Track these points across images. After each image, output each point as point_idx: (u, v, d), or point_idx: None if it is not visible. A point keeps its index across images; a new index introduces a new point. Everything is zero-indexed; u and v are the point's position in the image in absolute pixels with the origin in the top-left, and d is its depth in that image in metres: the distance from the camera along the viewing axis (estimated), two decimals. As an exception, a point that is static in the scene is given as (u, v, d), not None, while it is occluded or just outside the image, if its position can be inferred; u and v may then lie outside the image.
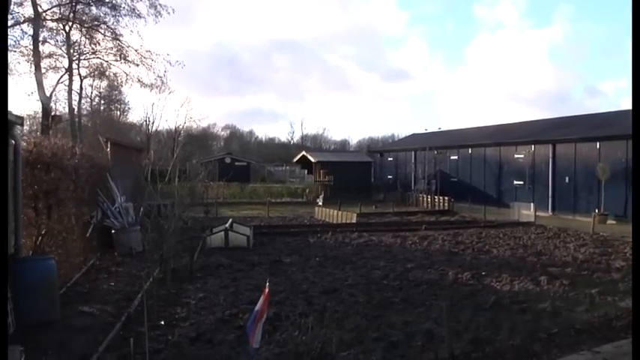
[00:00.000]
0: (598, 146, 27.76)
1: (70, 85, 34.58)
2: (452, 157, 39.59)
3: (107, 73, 36.73)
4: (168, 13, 32.81)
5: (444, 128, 51.98)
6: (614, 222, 23.92)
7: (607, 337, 7.52)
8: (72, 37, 32.94)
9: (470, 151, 37.89)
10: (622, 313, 8.94)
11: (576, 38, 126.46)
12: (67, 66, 33.42)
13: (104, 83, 45.33)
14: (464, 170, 38.29)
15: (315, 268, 13.45)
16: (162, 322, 8.20)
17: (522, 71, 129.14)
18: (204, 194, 25.09)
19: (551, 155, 30.77)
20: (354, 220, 25.05)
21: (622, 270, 13.01)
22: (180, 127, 59.72)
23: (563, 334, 7.74)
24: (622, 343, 7.32)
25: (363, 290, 10.79)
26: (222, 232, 16.69)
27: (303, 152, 48.90)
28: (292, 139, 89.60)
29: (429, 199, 33.96)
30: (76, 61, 34.50)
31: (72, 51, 33.09)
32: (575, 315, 8.99)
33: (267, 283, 5.89)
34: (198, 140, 67.36)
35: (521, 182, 32.73)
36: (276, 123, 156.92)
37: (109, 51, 33.75)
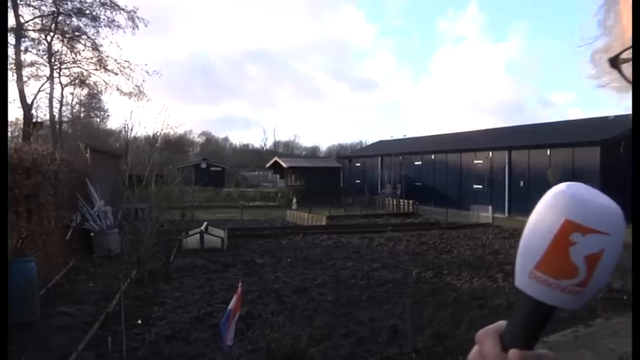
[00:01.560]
0: (548, 153, 28.37)
1: (51, 93, 33.98)
2: (416, 163, 39.96)
3: (87, 81, 36.13)
4: (145, 25, 32.57)
5: (409, 135, 52.44)
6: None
7: (553, 328, 7.71)
8: (53, 47, 32.46)
9: (433, 157, 38.29)
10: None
11: (530, 53, 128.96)
12: (48, 75, 32.89)
13: (84, 91, 44.43)
14: (427, 175, 38.67)
15: (287, 268, 13.44)
16: (140, 321, 8.14)
17: (482, 82, 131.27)
18: (181, 198, 24.91)
19: (507, 161, 31.30)
20: (323, 223, 25.06)
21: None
22: (158, 133, 59.05)
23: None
24: (566, 332, 7.58)
25: (332, 289, 10.84)
26: (198, 235, 16.55)
27: (276, 158, 48.81)
28: (265, 145, 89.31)
29: (395, 203, 34.23)
30: (57, 70, 33.93)
31: (53, 60, 32.58)
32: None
33: (240, 283, 5.90)
34: (175, 146, 66.66)
35: (480, 186, 33.20)
36: (249, 130, 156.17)
37: (89, 60, 33.32)
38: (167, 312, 8.92)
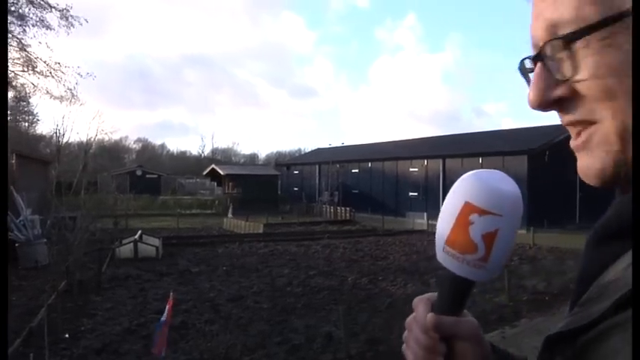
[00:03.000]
0: (480, 161, 29.34)
1: (-28, 96, 32.21)
2: (353, 171, 40.39)
3: (14, 83, 34.48)
4: (81, 23, 31.27)
5: (347, 143, 53.04)
6: (494, 229, 25.25)
7: (484, 329, 7.93)
8: (-26, 47, 30.78)
9: (370, 165, 38.81)
10: (496, 307, 9.61)
11: (465, 63, 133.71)
12: (-31, 76, 31.15)
13: (11, 94, 42.53)
14: (364, 183, 39.15)
15: (222, 276, 13.25)
16: (67, 335, 7.79)
17: (419, 91, 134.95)
18: (114, 206, 24.15)
19: (441, 169, 32.14)
20: (260, 231, 24.91)
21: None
22: (92, 139, 57.10)
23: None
24: (493, 334, 7.84)
25: (268, 297, 10.76)
26: (132, 244, 16.08)
27: (213, 165, 48.18)
28: (203, 152, 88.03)
29: (332, 210, 34.45)
30: (-20, 72, 32.23)
31: (-25, 61, 30.89)
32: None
33: (172, 293, 5.76)
34: (110, 153, 64.70)
35: (416, 194, 33.90)
36: (187, 136, 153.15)
37: (15, 61, 31.77)
38: (97, 324, 8.59)
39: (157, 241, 17.06)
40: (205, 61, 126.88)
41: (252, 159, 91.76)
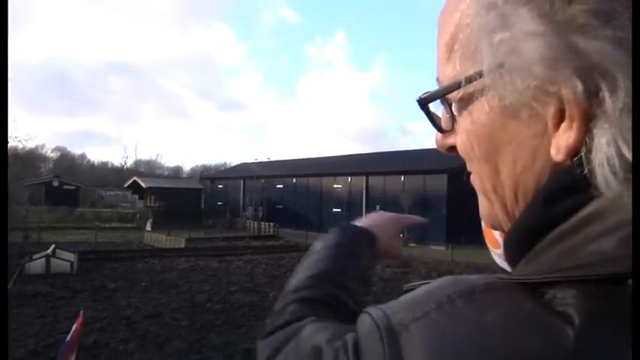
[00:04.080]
0: (402, 179, 30.13)
1: None
2: (278, 186, 40.33)
3: None
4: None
5: (273, 158, 52.97)
6: (414, 245, 25.88)
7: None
8: None
9: (294, 181, 38.92)
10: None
11: (392, 82, 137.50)
12: None
13: None
14: (289, 198, 39.16)
15: (141, 293, 12.80)
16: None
17: (347, 109, 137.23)
18: (26, 218, 22.84)
19: (364, 186, 32.70)
20: (182, 245, 24.33)
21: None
22: (3, 147, 53.89)
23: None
24: None
25: (187, 314, 10.49)
26: (44, 259, 15.24)
27: (135, 178, 46.74)
28: (126, 163, 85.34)
29: (256, 225, 34.18)
30: None
31: None
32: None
33: (82, 312, 5.48)
34: (24, 161, 61.33)
35: (340, 210, 34.25)
36: (109, 146, 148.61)
37: None
38: None
39: (71, 256, 16.27)
40: (131, 69, 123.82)
41: (177, 172, 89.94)
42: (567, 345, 0.39)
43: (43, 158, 78.03)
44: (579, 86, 0.42)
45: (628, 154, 0.40)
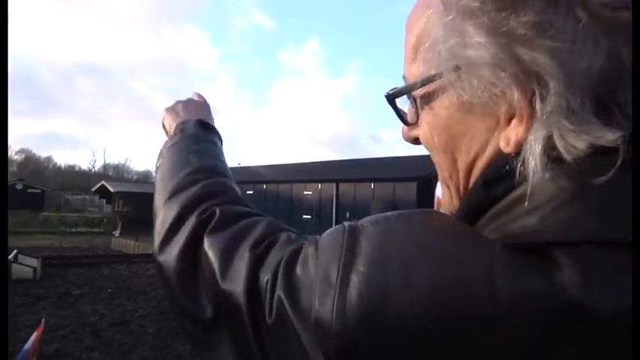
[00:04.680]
0: (372, 186, 30.29)
1: None
2: (248, 192, 40.09)
3: None
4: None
5: (244, 164, 52.68)
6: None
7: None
8: None
9: (265, 187, 38.78)
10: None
11: (364, 90, 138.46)
12: None
13: None
14: (259, 204, 37.74)
15: (107, 299, 12.53)
16: None
17: (319, 115, 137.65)
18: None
19: (335, 193, 32.74)
20: (151, 251, 23.86)
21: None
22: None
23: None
24: None
25: (154, 321, 10.30)
26: (6, 264, 14.83)
27: (103, 182, 45.96)
28: (94, 167, 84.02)
29: (226, 230, 33.88)
30: None
31: None
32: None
33: (43, 319, 5.33)
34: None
35: (310, 216, 34.22)
36: (77, 150, 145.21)
37: None
38: (-43, 354, 7.77)
39: (34, 262, 15.87)
40: (101, 70, 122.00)
41: (146, 176, 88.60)
42: (493, 253, 0.47)
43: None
44: (520, 90, 0.49)
45: (550, 150, 0.48)
